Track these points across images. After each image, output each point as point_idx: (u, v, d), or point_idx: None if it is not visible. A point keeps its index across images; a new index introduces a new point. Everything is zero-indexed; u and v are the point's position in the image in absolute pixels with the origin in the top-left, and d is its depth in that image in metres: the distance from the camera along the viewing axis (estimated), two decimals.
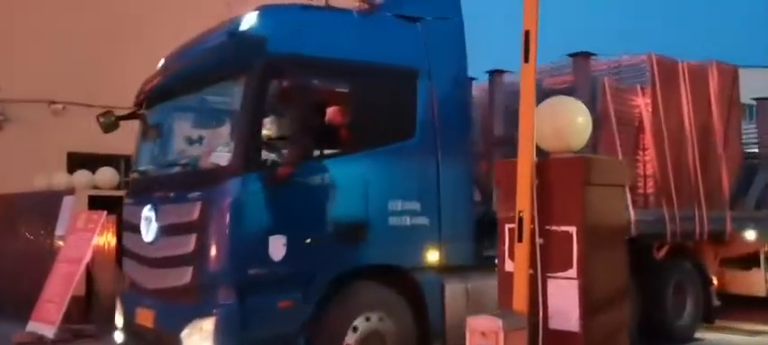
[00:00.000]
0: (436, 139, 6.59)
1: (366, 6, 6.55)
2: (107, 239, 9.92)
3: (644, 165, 8.67)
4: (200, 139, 6.37)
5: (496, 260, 5.35)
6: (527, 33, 4.64)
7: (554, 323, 4.74)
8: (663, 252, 8.51)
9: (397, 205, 6.28)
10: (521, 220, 4.58)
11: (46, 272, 9.61)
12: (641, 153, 8.69)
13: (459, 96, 6.91)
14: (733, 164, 9.72)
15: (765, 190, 10.09)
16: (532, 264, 4.68)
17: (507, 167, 4.96)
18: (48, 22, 14.97)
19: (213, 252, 5.52)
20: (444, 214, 6.57)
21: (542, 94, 9.12)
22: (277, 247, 5.57)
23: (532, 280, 4.71)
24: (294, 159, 5.59)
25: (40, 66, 14.64)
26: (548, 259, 4.63)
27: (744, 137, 10.34)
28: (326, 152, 6.00)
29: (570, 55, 8.01)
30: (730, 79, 10.04)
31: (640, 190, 8.60)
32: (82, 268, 9.34)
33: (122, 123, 7.26)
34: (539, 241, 4.63)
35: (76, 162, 13.65)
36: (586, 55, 7.99)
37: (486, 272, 6.33)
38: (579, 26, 47.11)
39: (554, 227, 4.58)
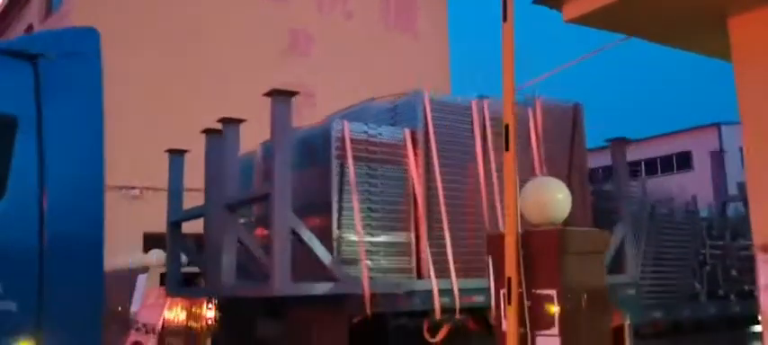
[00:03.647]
0: (41, 201, 5.21)
1: None
2: (176, 313, 9.97)
3: (415, 223, 7.02)
4: None
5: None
6: (507, 126, 5.20)
7: None
8: (441, 335, 6.79)
9: None
10: (510, 285, 5.09)
11: None
12: (412, 208, 7.06)
13: (84, 148, 5.49)
14: (578, 219, 7.97)
15: (625, 249, 8.19)
16: (522, 323, 5.11)
17: (495, 239, 5.48)
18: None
19: None
20: (48, 295, 5.08)
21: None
22: None
23: (523, 338, 5.15)
24: None
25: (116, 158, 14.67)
26: (535, 318, 5.11)
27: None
28: None
29: (266, 94, 6.39)
30: (568, 119, 8.39)
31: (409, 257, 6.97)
32: (153, 341, 9.58)
33: None
34: (527, 303, 5.09)
35: (151, 241, 14.18)
36: (287, 93, 6.39)
37: None
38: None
39: (539, 291, 5.08)
